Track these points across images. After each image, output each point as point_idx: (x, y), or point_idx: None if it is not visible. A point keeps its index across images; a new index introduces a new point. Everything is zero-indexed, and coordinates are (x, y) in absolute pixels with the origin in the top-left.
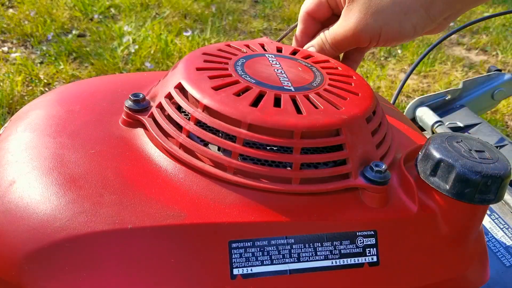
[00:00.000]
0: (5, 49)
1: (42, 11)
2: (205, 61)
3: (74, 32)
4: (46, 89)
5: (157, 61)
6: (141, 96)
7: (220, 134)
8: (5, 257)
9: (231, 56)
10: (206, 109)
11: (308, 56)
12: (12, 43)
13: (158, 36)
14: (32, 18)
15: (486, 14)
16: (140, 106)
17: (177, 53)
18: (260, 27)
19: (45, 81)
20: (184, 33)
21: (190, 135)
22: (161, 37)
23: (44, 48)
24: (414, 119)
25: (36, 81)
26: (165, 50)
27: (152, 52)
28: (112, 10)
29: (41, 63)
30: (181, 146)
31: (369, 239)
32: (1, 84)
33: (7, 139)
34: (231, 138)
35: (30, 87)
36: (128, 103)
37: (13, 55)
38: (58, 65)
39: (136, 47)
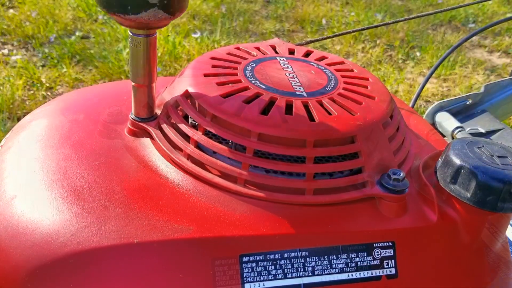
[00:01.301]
0: (6, 51)
1: (44, 11)
2: (213, 66)
3: (77, 33)
4: (48, 93)
5: (164, 64)
6: None
7: (230, 144)
8: (7, 274)
9: (240, 60)
10: (214, 118)
11: (322, 58)
12: (12, 45)
13: (166, 38)
14: (33, 19)
15: (509, 15)
16: (146, 118)
17: (185, 55)
18: (272, 29)
19: (47, 85)
20: (193, 35)
21: (198, 146)
22: (168, 38)
23: (46, 50)
24: (433, 125)
25: (38, 85)
26: (172, 53)
27: (159, 54)
28: None
29: (43, 66)
30: (189, 157)
31: (387, 250)
32: (1, 88)
33: (9, 150)
34: (241, 148)
35: (32, 91)
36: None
37: (13, 57)
38: (60, 68)
39: None
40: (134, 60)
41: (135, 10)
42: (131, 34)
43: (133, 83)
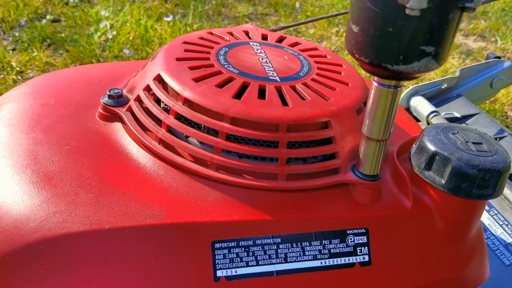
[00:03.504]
0: None
1: None
2: (186, 50)
3: (48, 17)
4: (19, 77)
5: (136, 47)
6: (118, 92)
7: (202, 128)
8: None
9: (213, 44)
10: (186, 102)
11: (295, 44)
12: None
13: (137, 21)
14: (3, 2)
15: None
16: (117, 102)
17: (157, 39)
18: (245, 12)
19: (18, 69)
20: (165, 18)
21: (170, 130)
22: (140, 22)
23: (17, 34)
24: (408, 109)
25: (8, 69)
26: (144, 36)
27: (130, 38)
28: None
29: (13, 50)
30: (161, 141)
31: (360, 237)
32: None
33: None
34: (213, 132)
35: (2, 76)
36: (105, 99)
37: None
38: (31, 52)
39: (114, 33)
40: (377, 112)
41: (408, 60)
42: (378, 85)
43: (367, 137)
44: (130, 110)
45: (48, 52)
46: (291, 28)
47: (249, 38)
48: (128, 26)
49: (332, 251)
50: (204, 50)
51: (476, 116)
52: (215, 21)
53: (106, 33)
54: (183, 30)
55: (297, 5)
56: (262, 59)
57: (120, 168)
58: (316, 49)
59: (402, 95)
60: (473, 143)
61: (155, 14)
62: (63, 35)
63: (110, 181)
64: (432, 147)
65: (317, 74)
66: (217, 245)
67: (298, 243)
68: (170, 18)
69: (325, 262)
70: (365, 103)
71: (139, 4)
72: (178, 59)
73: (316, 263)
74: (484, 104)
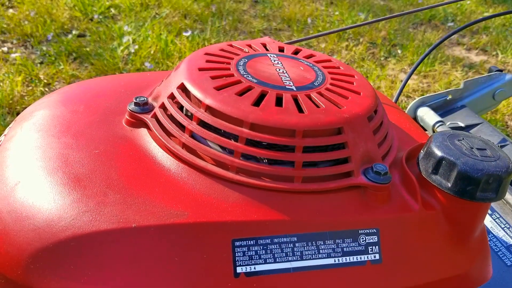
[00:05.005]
0: (5, 49)
1: (42, 11)
2: (207, 61)
3: (74, 32)
4: (46, 89)
5: (157, 61)
6: (144, 99)
7: (223, 134)
8: (11, 256)
9: (233, 56)
10: (208, 109)
11: (310, 56)
12: (12, 43)
13: (158, 36)
14: (32, 18)
15: (486, 14)
16: (143, 109)
17: (177, 53)
18: (260, 27)
19: (45, 81)
20: (184, 33)
21: (192, 135)
22: (161, 37)
23: (44, 48)
24: (415, 119)
25: (36, 81)
26: (165, 50)
27: (152, 52)
28: (112, 10)
29: (41, 63)
30: (184, 145)
31: (372, 237)
32: (1, 84)
33: (12, 139)
34: (234, 137)
35: (30, 87)
36: (131, 106)
37: (13, 55)
38: (58, 65)
39: (136, 47)
40: None
41: None
42: None
43: None
44: (155, 116)
45: (74, 65)
46: (303, 43)
47: (267, 50)
48: (149, 41)
49: (345, 249)
50: (225, 61)
51: (479, 125)
52: (232, 36)
53: (128, 47)
54: (201, 44)
55: (309, 20)
56: (279, 70)
57: (146, 171)
58: (329, 60)
59: (409, 106)
60: (478, 149)
61: (175, 29)
62: (88, 49)
63: (136, 183)
64: (439, 153)
65: (331, 84)
66: (237, 243)
67: (313, 242)
68: (189, 33)
69: (338, 260)
70: (375, 111)
71: (160, 19)
72: (200, 69)
73: (330, 261)
74: (486, 114)
